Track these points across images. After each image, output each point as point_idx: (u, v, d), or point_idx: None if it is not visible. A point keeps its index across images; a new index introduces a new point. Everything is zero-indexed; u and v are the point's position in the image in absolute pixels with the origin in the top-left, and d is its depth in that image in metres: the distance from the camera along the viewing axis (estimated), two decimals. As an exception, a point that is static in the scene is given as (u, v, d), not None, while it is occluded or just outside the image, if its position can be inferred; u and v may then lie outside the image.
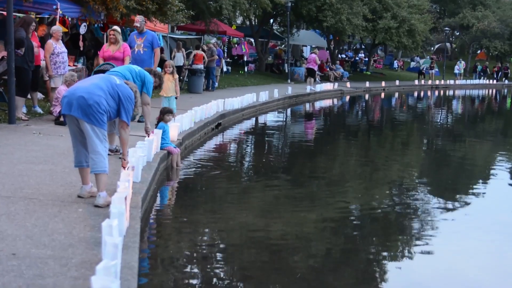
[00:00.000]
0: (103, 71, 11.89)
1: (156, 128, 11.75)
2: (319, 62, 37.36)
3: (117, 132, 10.04)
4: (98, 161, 7.34)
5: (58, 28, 14.91)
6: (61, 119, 13.16)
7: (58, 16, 16.59)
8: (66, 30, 19.15)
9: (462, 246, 8.80)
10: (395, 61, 69.86)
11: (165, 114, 12.08)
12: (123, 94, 7.60)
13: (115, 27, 14.80)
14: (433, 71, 54.57)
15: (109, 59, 13.67)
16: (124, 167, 8.16)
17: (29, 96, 14.44)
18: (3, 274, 5.06)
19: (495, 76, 66.72)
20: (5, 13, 14.07)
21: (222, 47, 37.56)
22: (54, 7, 16.37)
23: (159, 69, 15.71)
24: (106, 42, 15.60)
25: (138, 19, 15.34)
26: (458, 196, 12.27)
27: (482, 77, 65.08)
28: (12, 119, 12.79)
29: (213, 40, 37.30)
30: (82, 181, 7.78)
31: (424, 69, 57.11)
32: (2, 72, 13.17)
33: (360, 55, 63.44)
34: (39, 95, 16.05)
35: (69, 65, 15.65)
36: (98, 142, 7.32)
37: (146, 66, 12.66)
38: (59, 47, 14.57)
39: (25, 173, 8.68)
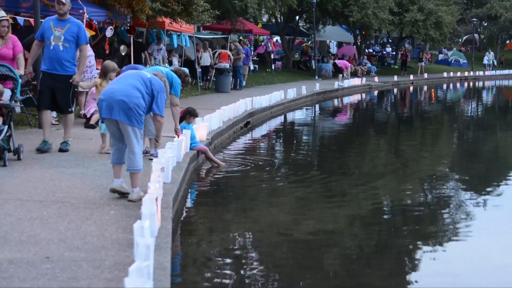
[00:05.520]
0: None
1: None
2: (349, 68, 38.07)
3: (147, 134, 10.14)
4: (135, 161, 7.67)
5: (84, 34, 14.92)
6: (91, 122, 13.25)
7: (84, 20, 16.68)
8: (94, 33, 19.28)
9: (496, 238, 8.69)
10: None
11: (188, 114, 12.05)
12: (156, 87, 7.90)
13: (2, 12, 11.05)
14: (423, 63, 52.01)
15: None
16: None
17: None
18: (38, 278, 5.10)
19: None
20: (32, 20, 14.18)
21: (250, 45, 37.53)
22: (81, 11, 16.45)
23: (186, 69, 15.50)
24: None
25: None
26: (490, 187, 12.13)
27: None
28: (40, 124, 12.87)
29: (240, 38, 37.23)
30: (114, 175, 7.94)
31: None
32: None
33: (387, 49, 63.02)
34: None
35: (97, 68, 15.70)
36: (136, 143, 7.62)
37: (67, 70, 10.51)
38: (86, 51, 14.57)
39: (56, 177, 8.75)
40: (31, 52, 10.78)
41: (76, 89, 13.33)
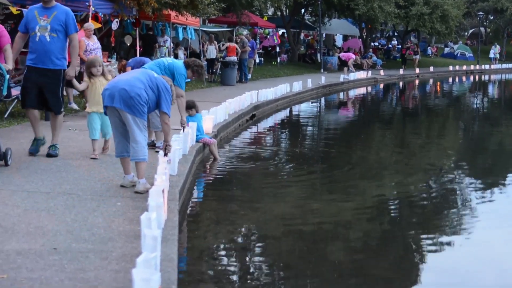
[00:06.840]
0: None
1: None
2: (352, 59, 38.01)
3: (153, 128, 10.15)
4: (138, 150, 7.67)
5: (89, 26, 14.94)
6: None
7: (90, 13, 16.69)
8: (100, 25, 19.29)
9: (502, 232, 8.68)
10: (428, 48, 69.03)
11: (188, 108, 12.04)
12: (161, 86, 7.86)
13: None
14: (417, 56, 51.38)
15: None
16: (166, 153, 8.18)
17: (64, 93, 14.51)
18: (45, 269, 5.11)
19: None
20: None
21: (256, 39, 37.54)
22: (87, 4, 16.46)
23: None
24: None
25: None
26: (496, 182, 12.11)
27: None
28: (48, 116, 12.86)
29: (245, 32, 37.15)
30: (124, 171, 8.04)
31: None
32: None
33: (393, 42, 62.85)
34: (75, 92, 16.17)
35: (103, 61, 15.67)
36: (139, 132, 7.64)
37: (56, 64, 9.35)
38: (92, 44, 14.62)
39: (63, 169, 8.76)
40: (14, 45, 9.40)
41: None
